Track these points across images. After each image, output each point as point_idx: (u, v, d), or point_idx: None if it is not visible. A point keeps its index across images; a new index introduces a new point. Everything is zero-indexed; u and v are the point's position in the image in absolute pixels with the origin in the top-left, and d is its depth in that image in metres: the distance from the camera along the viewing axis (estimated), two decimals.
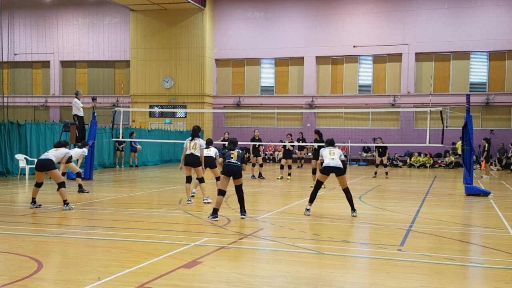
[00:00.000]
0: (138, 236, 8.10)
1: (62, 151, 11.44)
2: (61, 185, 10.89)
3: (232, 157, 9.88)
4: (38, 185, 11.06)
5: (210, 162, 12.77)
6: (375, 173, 21.23)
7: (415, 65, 31.19)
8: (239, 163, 9.87)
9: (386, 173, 21.42)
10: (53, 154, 11.19)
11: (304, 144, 23.01)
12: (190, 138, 12.11)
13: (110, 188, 16.24)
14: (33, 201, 11.07)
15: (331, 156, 10.62)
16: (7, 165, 18.73)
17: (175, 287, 5.49)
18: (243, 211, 9.98)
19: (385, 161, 21.23)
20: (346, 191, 10.55)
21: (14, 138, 19.06)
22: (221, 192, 9.71)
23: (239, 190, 9.96)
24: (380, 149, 21.12)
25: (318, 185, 10.73)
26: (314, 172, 16.43)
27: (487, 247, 7.82)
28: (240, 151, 10.12)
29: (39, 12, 37.60)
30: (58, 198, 11.55)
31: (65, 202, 10.83)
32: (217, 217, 9.59)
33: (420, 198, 13.97)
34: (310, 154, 16.62)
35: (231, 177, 9.84)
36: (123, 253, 7.02)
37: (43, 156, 11.15)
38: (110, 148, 24.97)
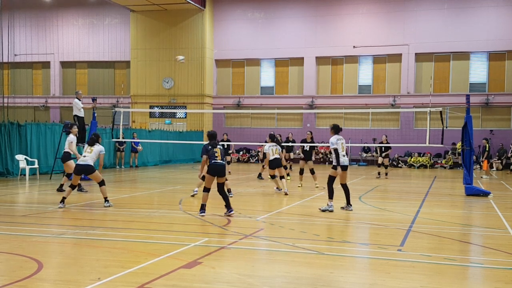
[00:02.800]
0: (138, 237, 8.10)
1: (97, 150, 11.48)
2: (101, 183, 11.31)
3: (217, 156, 10.07)
4: (73, 187, 11.31)
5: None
6: (379, 173, 21.13)
7: (415, 66, 31.20)
8: (223, 162, 10.14)
9: (386, 174, 21.38)
10: (90, 157, 11.30)
11: (294, 144, 22.69)
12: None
13: (110, 189, 16.16)
14: (63, 200, 11.15)
15: (343, 153, 10.89)
16: (7, 166, 18.73)
17: (175, 287, 5.50)
18: (229, 207, 10.15)
19: (386, 162, 21.02)
20: (345, 186, 10.87)
21: (14, 139, 19.06)
22: (207, 190, 10.15)
23: (221, 188, 10.18)
24: (383, 148, 20.88)
25: (332, 180, 10.90)
26: (301, 172, 16.41)
27: (487, 247, 7.83)
28: (221, 148, 10.29)
29: (39, 12, 37.62)
30: (58, 198, 11.55)
31: (106, 199, 11.25)
32: (204, 212, 10.08)
33: (420, 198, 13.97)
34: (301, 154, 16.74)
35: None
36: (123, 253, 7.03)
37: (81, 161, 11.27)
38: (110, 149, 24.96)
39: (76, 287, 5.45)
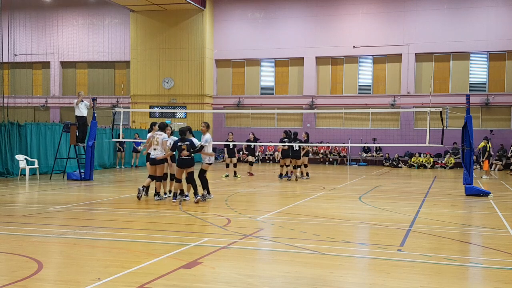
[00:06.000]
0: (138, 237, 8.11)
1: (161, 139, 12.28)
2: (162, 178, 12.50)
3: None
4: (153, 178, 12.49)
5: None
6: (286, 174, 19.16)
7: (415, 66, 31.19)
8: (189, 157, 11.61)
9: (306, 174, 19.33)
10: (159, 150, 12.23)
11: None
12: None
13: (110, 189, 16.23)
14: (157, 194, 12.38)
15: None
16: (7, 166, 18.73)
17: (175, 287, 5.50)
18: (197, 194, 11.66)
19: (305, 161, 18.99)
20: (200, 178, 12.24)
21: (14, 139, 19.06)
22: (178, 180, 11.87)
23: (191, 177, 11.72)
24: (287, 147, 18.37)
25: (203, 172, 12.31)
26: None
27: (487, 247, 7.83)
28: (188, 143, 11.53)
29: (39, 12, 37.60)
30: (58, 198, 11.57)
31: (157, 193, 12.38)
32: (176, 198, 11.88)
33: (420, 198, 13.97)
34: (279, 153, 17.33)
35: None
36: (123, 253, 7.03)
37: (153, 155, 12.34)
38: (110, 149, 24.98)
39: (76, 287, 5.46)
